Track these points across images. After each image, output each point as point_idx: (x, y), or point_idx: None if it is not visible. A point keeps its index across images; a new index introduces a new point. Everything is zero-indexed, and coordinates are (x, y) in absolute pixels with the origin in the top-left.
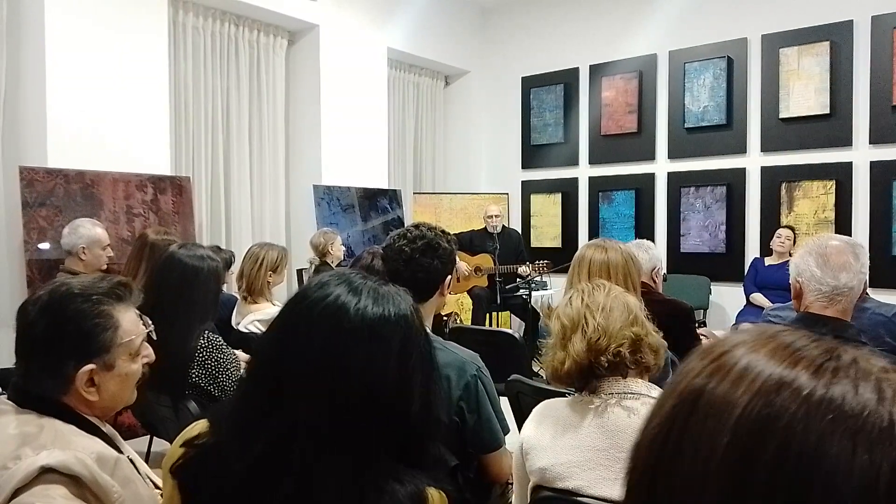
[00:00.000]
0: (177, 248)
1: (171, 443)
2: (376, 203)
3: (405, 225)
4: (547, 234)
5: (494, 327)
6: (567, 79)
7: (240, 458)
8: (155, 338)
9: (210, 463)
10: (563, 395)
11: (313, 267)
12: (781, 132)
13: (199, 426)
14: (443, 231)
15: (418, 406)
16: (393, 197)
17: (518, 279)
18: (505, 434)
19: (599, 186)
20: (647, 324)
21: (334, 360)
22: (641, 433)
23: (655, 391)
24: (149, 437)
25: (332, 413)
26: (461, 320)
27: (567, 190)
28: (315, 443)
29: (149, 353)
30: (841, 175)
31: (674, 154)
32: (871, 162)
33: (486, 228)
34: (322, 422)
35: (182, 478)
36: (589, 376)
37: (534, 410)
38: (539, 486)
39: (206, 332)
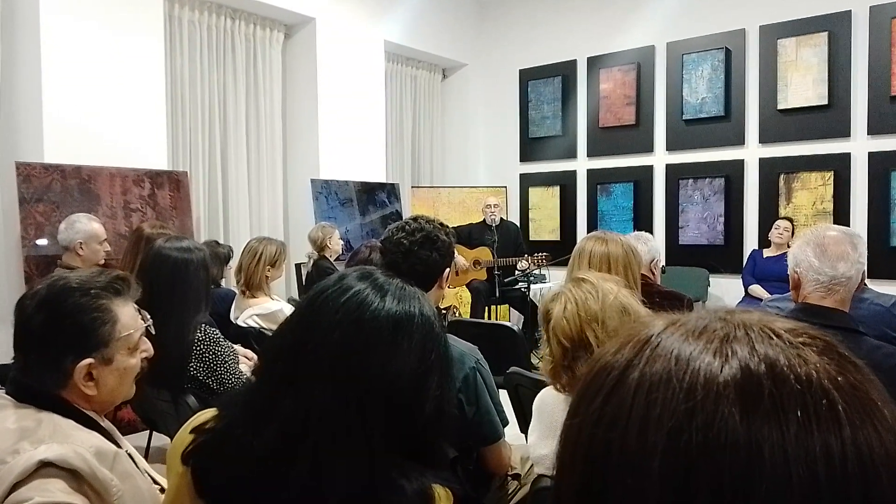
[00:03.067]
0: (162, 242)
1: (170, 437)
2: (374, 197)
3: (403, 219)
4: (545, 226)
5: (493, 320)
6: (565, 71)
7: (257, 437)
8: (154, 332)
9: (225, 446)
10: None
11: (312, 261)
12: (779, 123)
13: (207, 414)
14: (441, 224)
15: (432, 406)
16: (391, 191)
17: (517, 272)
18: (504, 426)
19: (598, 179)
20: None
21: (353, 353)
22: None
23: None
24: (148, 432)
25: (346, 403)
26: (460, 313)
27: (565, 183)
28: (328, 429)
29: (147, 347)
30: (839, 166)
31: (672, 146)
32: (869, 153)
33: (484, 221)
34: (336, 410)
35: (195, 462)
36: None
37: (537, 398)
38: (542, 475)
39: (204, 325)
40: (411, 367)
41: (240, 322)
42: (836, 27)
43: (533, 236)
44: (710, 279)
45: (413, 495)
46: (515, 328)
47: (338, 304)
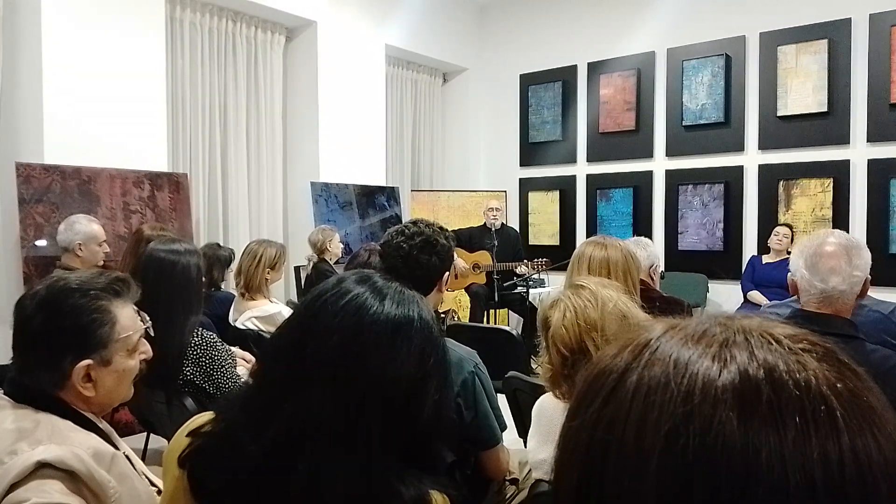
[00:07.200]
0: (155, 243)
1: (167, 440)
2: (374, 200)
3: (403, 222)
4: (545, 231)
5: (492, 325)
6: (565, 76)
7: (255, 441)
8: (153, 334)
9: (223, 449)
10: None
11: (311, 264)
12: (779, 130)
13: (204, 417)
14: (440, 227)
15: (430, 411)
16: (391, 194)
17: (516, 277)
18: (502, 430)
19: (597, 184)
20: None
21: (352, 357)
22: None
23: None
24: (146, 434)
25: (344, 407)
26: (459, 317)
27: (565, 188)
28: (327, 433)
29: (146, 349)
30: (838, 173)
31: (672, 152)
32: (868, 160)
33: (485, 225)
34: (334, 414)
35: (192, 466)
36: None
37: (536, 404)
38: (540, 480)
39: (200, 329)
40: (410, 372)
41: (238, 324)
42: (835, 34)
43: (532, 241)
44: (709, 285)
45: (410, 501)
46: (514, 332)
47: (337, 307)
